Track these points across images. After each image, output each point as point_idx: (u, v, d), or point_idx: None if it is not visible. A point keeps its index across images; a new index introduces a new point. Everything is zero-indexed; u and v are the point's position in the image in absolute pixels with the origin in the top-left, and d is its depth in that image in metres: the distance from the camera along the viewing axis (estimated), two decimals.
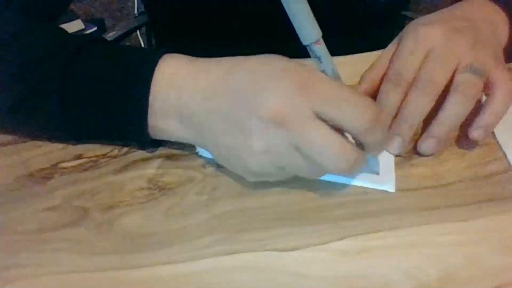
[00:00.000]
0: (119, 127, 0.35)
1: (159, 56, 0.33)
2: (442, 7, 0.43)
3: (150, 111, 0.33)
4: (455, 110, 0.35)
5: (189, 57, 0.34)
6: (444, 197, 0.34)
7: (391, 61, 0.39)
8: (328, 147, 0.28)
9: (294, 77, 0.29)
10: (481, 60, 0.37)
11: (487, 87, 0.37)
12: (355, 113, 0.28)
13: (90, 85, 0.34)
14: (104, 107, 0.34)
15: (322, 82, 0.29)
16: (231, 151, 0.31)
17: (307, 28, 0.29)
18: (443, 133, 0.36)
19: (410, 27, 0.41)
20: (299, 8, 0.28)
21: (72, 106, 0.34)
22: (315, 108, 0.28)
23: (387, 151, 0.37)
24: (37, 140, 0.38)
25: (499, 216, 0.32)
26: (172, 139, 0.35)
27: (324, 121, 0.28)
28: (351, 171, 0.29)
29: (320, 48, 0.30)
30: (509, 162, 0.36)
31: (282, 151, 0.29)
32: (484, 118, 0.36)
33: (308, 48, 0.30)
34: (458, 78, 0.36)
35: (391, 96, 0.37)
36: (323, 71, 0.31)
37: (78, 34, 0.38)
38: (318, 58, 0.30)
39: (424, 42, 0.38)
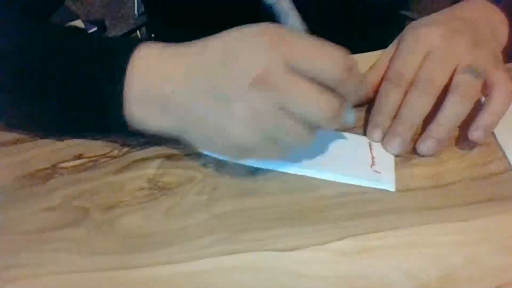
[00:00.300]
0: (97, 118, 0.35)
1: (134, 46, 0.33)
2: (442, 7, 0.44)
3: (125, 100, 0.32)
4: (454, 110, 0.35)
5: (162, 44, 0.33)
6: (444, 197, 0.34)
7: (391, 61, 0.40)
8: (311, 98, 0.29)
9: (265, 37, 0.29)
10: (480, 61, 0.37)
11: (486, 88, 0.37)
12: (330, 63, 0.29)
13: (66, 74, 0.33)
14: (80, 98, 0.33)
15: (293, 37, 0.29)
16: (214, 128, 0.30)
17: None
18: (442, 134, 0.36)
19: (410, 28, 0.41)
20: None
21: (50, 98, 0.34)
22: (291, 63, 0.28)
23: (387, 151, 0.37)
24: (37, 139, 0.38)
25: (499, 216, 0.32)
26: (152, 129, 0.34)
27: (300, 74, 0.29)
28: (336, 121, 0.30)
29: (285, 4, 0.30)
30: (509, 162, 0.37)
31: (266, 114, 0.29)
32: (484, 119, 0.36)
33: (273, 8, 0.30)
34: (457, 78, 0.36)
35: (390, 96, 0.38)
36: (291, 27, 0.31)
37: (59, 24, 0.37)
38: (285, 15, 0.30)
39: (424, 42, 0.38)
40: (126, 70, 0.32)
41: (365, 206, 0.33)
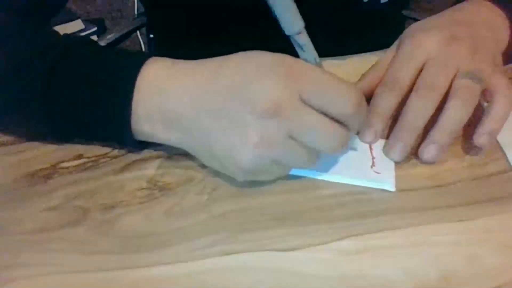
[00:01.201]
0: (104, 132, 0.35)
1: (143, 60, 0.33)
2: (443, 8, 0.43)
3: (133, 116, 0.33)
4: (455, 115, 0.35)
5: (172, 60, 0.34)
6: (444, 197, 0.34)
7: (388, 66, 0.40)
8: (321, 129, 0.30)
9: (281, 67, 0.30)
10: (479, 66, 0.37)
11: (487, 94, 0.37)
12: (341, 99, 0.30)
13: (74, 89, 0.33)
14: (87, 113, 0.34)
15: (307, 69, 0.30)
16: (223, 149, 0.31)
17: (290, 19, 0.30)
18: (445, 139, 0.35)
19: (408, 33, 0.41)
20: (282, 0, 0.29)
21: (57, 110, 0.34)
22: (303, 95, 0.29)
23: (389, 157, 0.36)
24: (36, 140, 0.38)
25: (499, 216, 0.32)
26: (160, 141, 0.35)
27: (312, 107, 0.30)
28: (342, 149, 0.31)
29: (303, 38, 0.31)
30: (509, 162, 0.37)
31: (277, 141, 0.29)
32: (487, 124, 0.36)
33: (291, 38, 0.31)
34: (457, 84, 0.36)
35: (384, 98, 0.38)
36: (306, 60, 0.32)
37: (66, 35, 0.37)
38: (301, 47, 0.31)
39: (422, 48, 0.38)
40: (134, 89, 0.32)
41: (365, 206, 0.33)
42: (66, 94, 0.34)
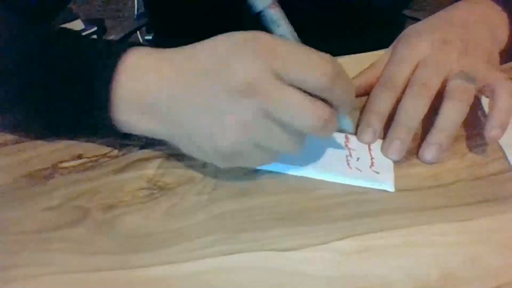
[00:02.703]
0: (85, 122, 0.35)
1: (123, 50, 0.33)
2: (443, 7, 0.43)
3: (113, 105, 0.32)
4: (451, 115, 0.36)
5: (151, 48, 0.33)
6: (444, 197, 0.34)
7: (384, 68, 0.40)
8: (300, 107, 0.28)
9: (253, 45, 0.29)
10: (471, 67, 0.38)
11: (486, 90, 0.37)
12: (316, 71, 0.29)
13: (54, 77, 0.33)
14: (68, 102, 0.33)
15: (280, 45, 0.29)
16: (202, 134, 0.30)
17: None
18: (443, 139, 0.36)
19: (403, 36, 0.42)
20: None
21: (37, 101, 0.34)
22: (278, 71, 0.28)
23: (387, 157, 0.37)
24: (36, 140, 0.38)
25: (499, 216, 0.32)
26: (142, 133, 0.34)
27: (288, 83, 0.29)
28: (327, 129, 0.29)
29: (276, 11, 0.29)
30: (509, 162, 0.37)
31: (254, 121, 0.29)
32: (497, 117, 0.36)
33: (262, 15, 0.29)
34: (451, 84, 0.37)
35: (380, 97, 0.38)
36: (281, 36, 0.30)
37: (45, 26, 0.36)
38: (275, 22, 0.29)
39: (414, 52, 0.39)
40: (114, 75, 0.32)
41: (365, 206, 0.33)
42: (44, 82, 0.33)
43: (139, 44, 0.34)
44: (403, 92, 0.38)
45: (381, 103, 0.38)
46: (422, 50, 0.39)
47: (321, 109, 0.29)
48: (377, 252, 0.30)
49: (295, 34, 0.30)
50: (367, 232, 0.31)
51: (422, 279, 0.28)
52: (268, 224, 0.32)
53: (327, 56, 0.29)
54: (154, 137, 0.34)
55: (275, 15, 0.29)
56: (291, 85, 0.29)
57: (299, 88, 0.29)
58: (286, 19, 0.29)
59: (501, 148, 0.38)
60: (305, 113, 0.28)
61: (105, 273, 0.29)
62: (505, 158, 0.37)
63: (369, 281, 0.28)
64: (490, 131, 0.36)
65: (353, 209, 0.33)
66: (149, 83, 0.32)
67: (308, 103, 0.28)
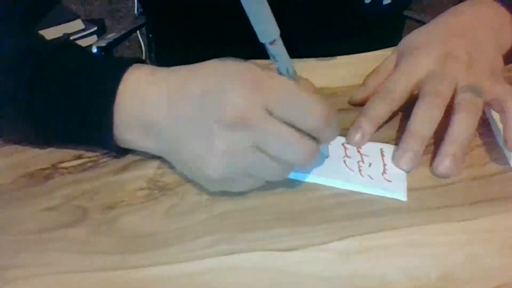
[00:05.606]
0: (86, 138, 0.35)
1: (125, 68, 0.33)
2: (444, 8, 0.43)
3: (115, 123, 0.33)
4: (462, 127, 0.35)
5: (152, 67, 0.34)
6: (444, 197, 0.34)
7: (385, 80, 0.41)
8: (286, 141, 0.29)
9: (247, 78, 0.30)
10: (476, 80, 0.38)
11: (495, 104, 0.37)
12: (307, 112, 0.30)
13: (57, 94, 0.34)
14: (70, 118, 0.34)
15: (274, 81, 0.30)
16: (194, 157, 0.31)
17: (263, 27, 0.29)
18: (457, 150, 0.35)
19: (406, 49, 0.42)
20: (258, 8, 0.28)
21: (40, 115, 0.34)
22: (268, 106, 0.29)
23: (399, 167, 0.36)
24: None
25: (499, 216, 0.32)
26: (139, 149, 0.35)
27: (279, 119, 0.29)
28: (310, 161, 0.30)
29: (275, 48, 0.30)
30: (509, 162, 0.37)
31: (243, 151, 0.30)
32: None
33: (265, 46, 0.30)
34: (458, 98, 0.37)
35: (374, 104, 0.39)
36: (278, 71, 0.31)
37: (50, 40, 0.37)
38: (274, 57, 0.30)
39: (418, 67, 0.39)
40: (116, 95, 0.33)
41: (365, 206, 0.33)
42: (49, 99, 0.34)
43: (136, 60, 0.35)
44: (400, 102, 0.39)
45: (376, 110, 0.39)
46: (426, 65, 0.39)
47: (309, 144, 0.30)
48: (377, 252, 0.30)
49: (292, 70, 0.31)
50: (367, 232, 0.31)
51: (422, 279, 0.28)
52: (268, 224, 0.32)
53: (321, 98, 0.30)
54: (152, 153, 0.35)
55: (273, 50, 0.30)
56: (280, 120, 0.29)
57: (288, 123, 0.29)
58: (286, 56, 0.30)
59: (501, 148, 0.38)
60: (294, 148, 0.30)
61: (105, 273, 0.29)
62: (505, 158, 0.37)
63: (369, 281, 0.28)
64: (509, 144, 0.35)
65: (353, 209, 0.33)
66: (148, 104, 0.32)
67: (297, 139, 0.30)
